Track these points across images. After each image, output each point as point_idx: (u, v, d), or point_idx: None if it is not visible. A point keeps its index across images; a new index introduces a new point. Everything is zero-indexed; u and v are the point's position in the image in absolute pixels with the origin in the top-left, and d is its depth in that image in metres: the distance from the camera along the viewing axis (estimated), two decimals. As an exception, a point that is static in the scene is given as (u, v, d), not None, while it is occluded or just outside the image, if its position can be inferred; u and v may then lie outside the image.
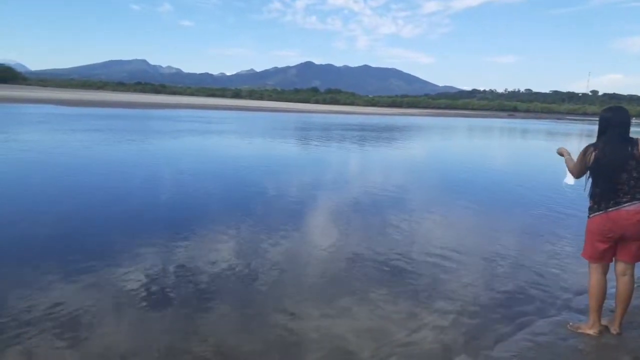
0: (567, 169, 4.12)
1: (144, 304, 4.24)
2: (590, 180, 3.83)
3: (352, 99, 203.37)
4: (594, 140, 3.85)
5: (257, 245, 6.05)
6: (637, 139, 3.66)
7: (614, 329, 3.84)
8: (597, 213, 3.69)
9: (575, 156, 4.04)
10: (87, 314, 3.97)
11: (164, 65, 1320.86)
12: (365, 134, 30.96)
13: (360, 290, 4.76)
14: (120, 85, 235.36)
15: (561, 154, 4.26)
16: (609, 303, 3.99)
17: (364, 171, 14.33)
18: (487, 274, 5.37)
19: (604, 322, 3.89)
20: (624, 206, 3.58)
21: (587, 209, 3.85)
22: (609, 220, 3.62)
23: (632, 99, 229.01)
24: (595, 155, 3.67)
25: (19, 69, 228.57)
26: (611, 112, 3.79)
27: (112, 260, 5.21)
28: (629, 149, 3.60)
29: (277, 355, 3.53)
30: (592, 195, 3.76)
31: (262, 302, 4.40)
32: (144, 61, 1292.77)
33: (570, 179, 4.11)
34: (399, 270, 5.35)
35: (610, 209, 3.60)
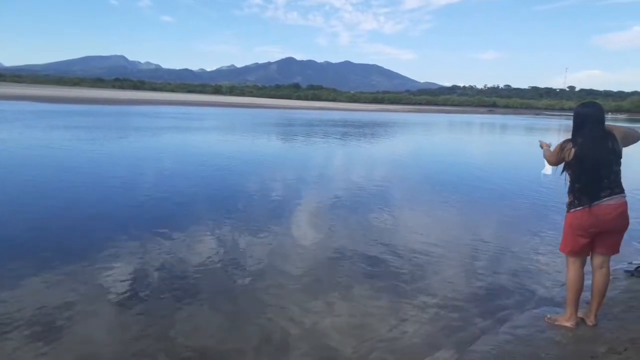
0: (545, 160, 4.18)
1: (123, 303, 4.18)
2: (565, 175, 3.87)
3: (334, 95, 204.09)
4: (570, 135, 3.89)
5: (238, 243, 6.02)
6: (612, 132, 3.68)
7: (590, 321, 3.91)
8: (579, 208, 3.70)
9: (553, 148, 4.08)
10: (65, 313, 3.90)
11: (142, 61, 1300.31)
12: (349, 130, 31.01)
13: (342, 286, 4.77)
14: (98, 82, 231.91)
15: (542, 147, 4.34)
16: (585, 295, 4.06)
17: (346, 168, 14.34)
18: (467, 268, 5.43)
19: (579, 314, 3.96)
20: (604, 200, 3.63)
21: (565, 203, 3.88)
22: (591, 215, 3.64)
23: (608, 94, 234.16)
24: (574, 152, 3.65)
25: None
26: (588, 107, 3.80)
27: (91, 259, 5.12)
28: (609, 144, 3.65)
29: (259, 353, 3.51)
30: (572, 191, 3.76)
31: (244, 300, 4.38)
32: (123, 57, 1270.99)
33: (548, 169, 4.15)
34: (380, 266, 5.38)
35: (593, 204, 3.63)
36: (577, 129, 3.77)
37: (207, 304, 4.26)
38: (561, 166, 3.93)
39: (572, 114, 3.94)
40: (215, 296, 4.44)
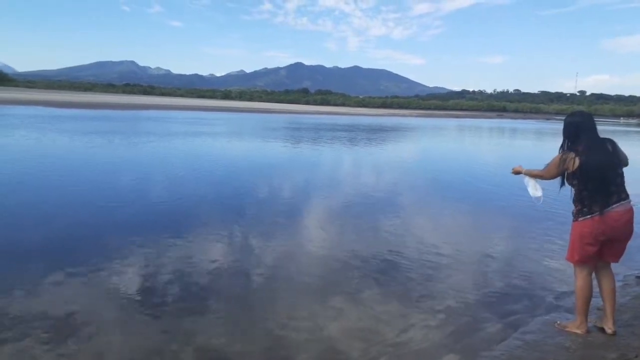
0: (530, 182, 4.23)
1: (133, 306, 4.22)
2: (567, 185, 3.82)
3: (342, 100, 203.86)
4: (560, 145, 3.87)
5: (248, 247, 6.04)
6: (611, 139, 3.73)
7: (609, 328, 3.83)
8: (589, 216, 3.65)
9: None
10: (77, 317, 3.95)
11: (153, 66, 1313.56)
12: (359, 135, 30.98)
13: (350, 290, 4.77)
14: (109, 87, 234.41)
15: (518, 172, 4.34)
16: (596, 301, 4.02)
17: (356, 172, 14.33)
18: (476, 274, 5.40)
19: (598, 324, 3.92)
20: (614, 207, 3.61)
21: (571, 212, 3.84)
22: (601, 222, 3.61)
23: (619, 99, 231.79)
24: (579, 161, 3.61)
25: (5, 71, 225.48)
26: (578, 116, 3.82)
27: (103, 263, 5.17)
28: (610, 147, 3.67)
29: (267, 356, 3.53)
30: (580, 199, 3.71)
31: (252, 303, 4.40)
32: (133, 62, 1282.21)
33: (538, 191, 4.18)
34: (389, 271, 5.37)
35: (604, 211, 3.60)
36: (570, 139, 3.78)
37: (216, 307, 4.29)
38: (557, 180, 3.89)
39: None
40: (225, 300, 4.46)
